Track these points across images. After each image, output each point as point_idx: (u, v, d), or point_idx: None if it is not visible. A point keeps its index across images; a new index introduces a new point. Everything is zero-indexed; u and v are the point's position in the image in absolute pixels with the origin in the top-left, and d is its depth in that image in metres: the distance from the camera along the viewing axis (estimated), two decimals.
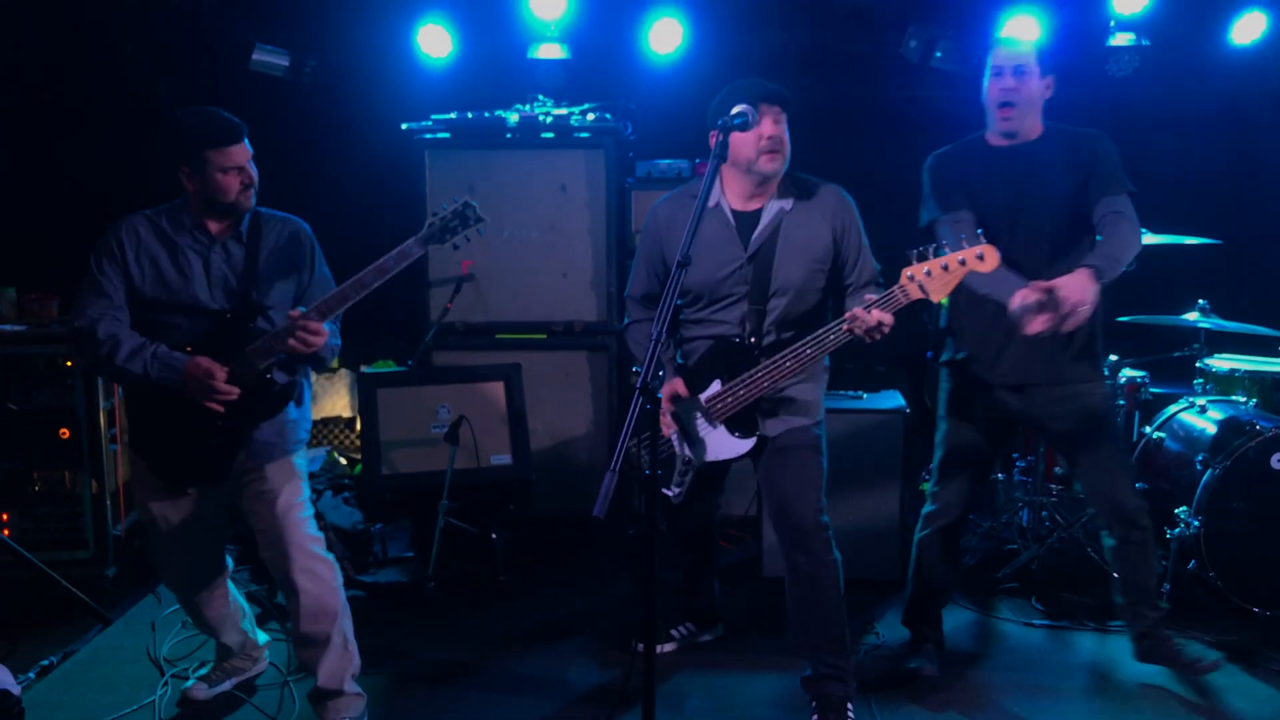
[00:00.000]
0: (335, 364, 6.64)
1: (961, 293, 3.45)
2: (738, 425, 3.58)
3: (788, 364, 3.45)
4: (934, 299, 3.27)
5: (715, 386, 3.57)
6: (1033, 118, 3.73)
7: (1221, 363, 5.11)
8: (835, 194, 3.65)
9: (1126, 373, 4.93)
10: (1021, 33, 3.58)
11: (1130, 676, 3.99)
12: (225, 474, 3.48)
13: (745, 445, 3.60)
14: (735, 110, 3.24)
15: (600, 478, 2.56)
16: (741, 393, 3.52)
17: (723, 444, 3.60)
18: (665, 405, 3.62)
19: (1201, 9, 5.79)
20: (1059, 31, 5.78)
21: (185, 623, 4.38)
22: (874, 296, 3.33)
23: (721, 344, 3.60)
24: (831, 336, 3.38)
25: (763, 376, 3.48)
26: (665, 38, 5.90)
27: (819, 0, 6.15)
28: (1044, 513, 5.09)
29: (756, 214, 3.59)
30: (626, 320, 3.92)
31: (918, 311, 5.95)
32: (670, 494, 3.66)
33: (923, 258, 3.25)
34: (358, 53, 6.14)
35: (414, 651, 4.21)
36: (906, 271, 3.27)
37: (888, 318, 3.27)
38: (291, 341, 3.30)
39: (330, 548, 3.60)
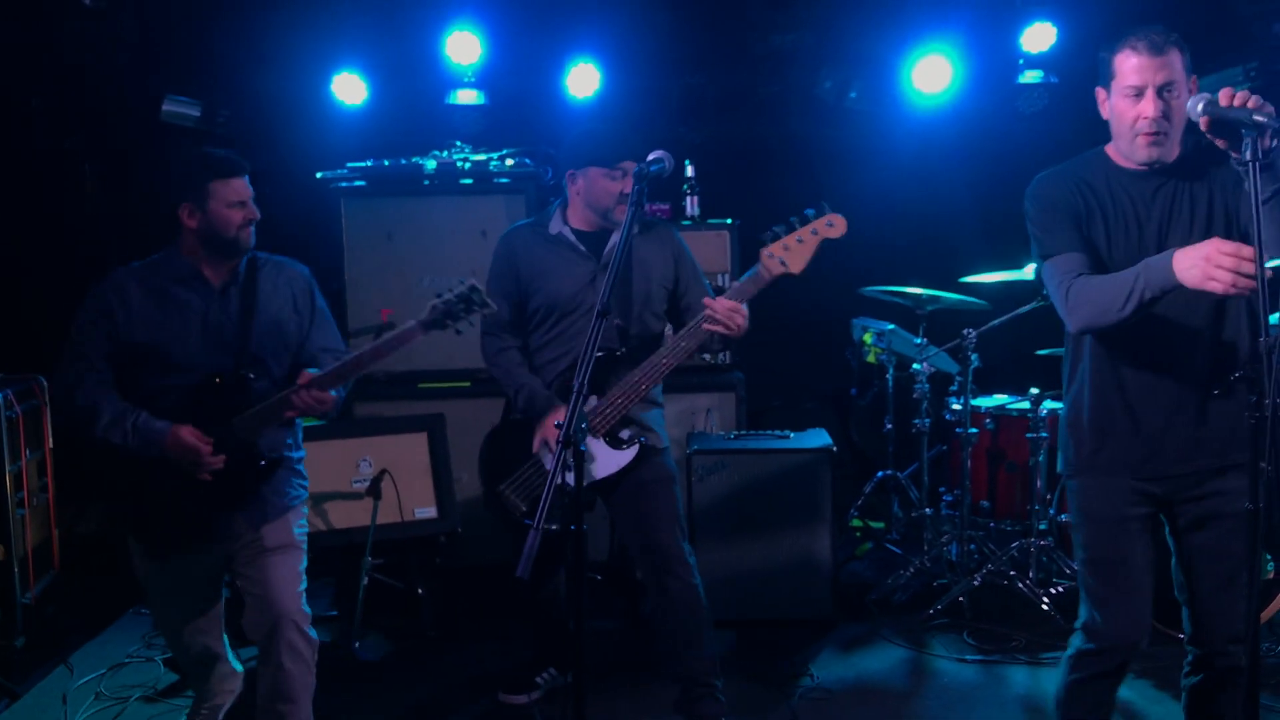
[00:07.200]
0: None
1: None
2: (615, 439, 3.66)
3: (664, 361, 3.57)
4: (795, 271, 3.44)
5: (592, 402, 3.59)
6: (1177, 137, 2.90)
7: None
8: (669, 228, 3.96)
9: (1048, 405, 4.99)
10: (1157, 26, 2.81)
11: None
12: (211, 538, 3.36)
13: (629, 455, 3.68)
14: (652, 157, 3.33)
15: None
16: (620, 401, 3.60)
17: (609, 458, 3.66)
18: (553, 435, 3.60)
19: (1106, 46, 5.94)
20: (969, 70, 5.90)
21: (99, 694, 4.24)
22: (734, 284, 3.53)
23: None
24: (700, 329, 3.52)
25: (641, 379, 3.58)
26: (583, 82, 5.91)
27: (734, 43, 6.22)
28: (972, 545, 5.11)
29: (605, 233, 3.79)
30: (494, 349, 3.96)
31: (841, 349, 6.06)
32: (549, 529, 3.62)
33: (776, 237, 3.44)
34: (271, 102, 6.06)
35: (339, 715, 4.08)
36: (765, 251, 3.45)
37: (736, 304, 3.45)
38: (297, 405, 3.26)
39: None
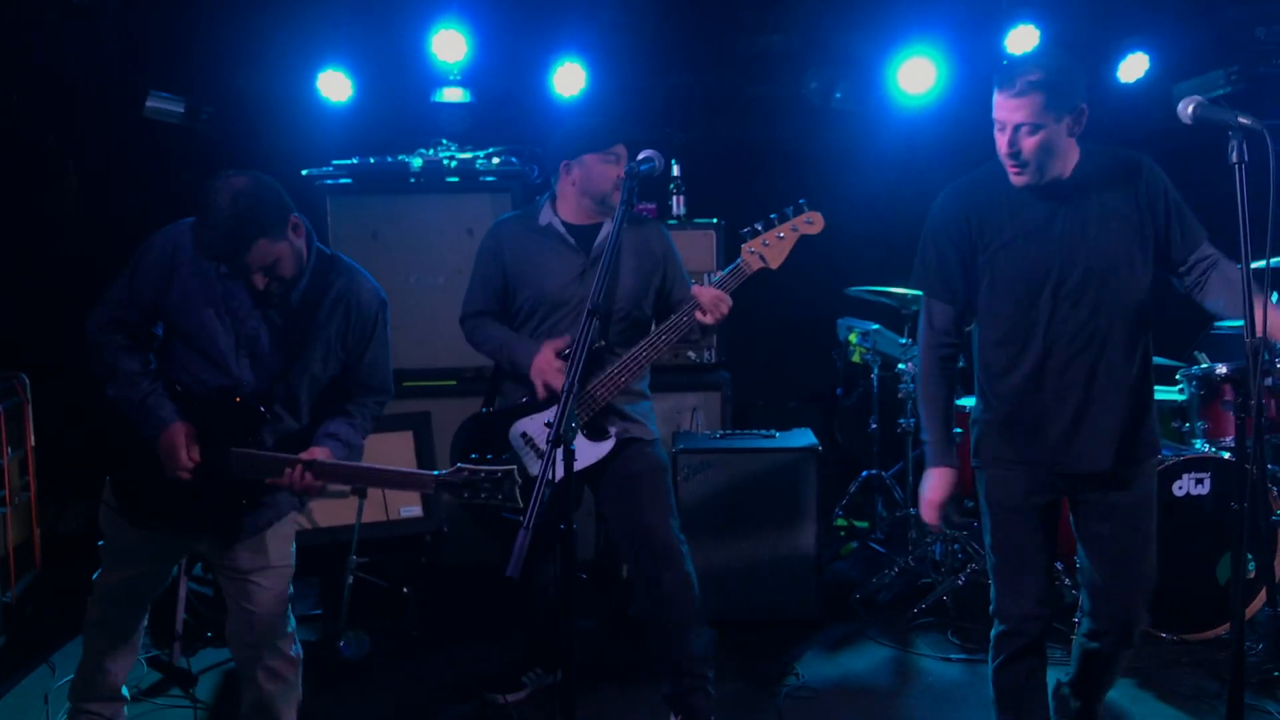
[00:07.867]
0: None
1: None
2: (594, 431, 3.67)
3: (643, 354, 3.60)
4: (773, 266, 3.61)
5: None
6: (1060, 160, 3.03)
7: None
8: (658, 226, 3.97)
9: None
10: (1027, 67, 2.88)
11: None
12: (184, 533, 3.21)
13: (606, 447, 3.68)
14: (642, 157, 3.41)
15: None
16: (600, 393, 3.61)
17: (586, 450, 3.65)
18: (552, 365, 3.60)
19: (1089, 49, 5.97)
20: (953, 71, 5.92)
21: None
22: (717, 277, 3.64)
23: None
24: (685, 319, 3.60)
25: (620, 372, 3.60)
26: (569, 81, 5.90)
27: (721, 43, 6.23)
28: (956, 545, 5.13)
29: (594, 227, 3.79)
30: (472, 325, 3.93)
31: (827, 349, 6.08)
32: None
33: (755, 233, 3.61)
34: (256, 98, 6.03)
35: (325, 714, 4.06)
36: (746, 246, 3.61)
37: (722, 294, 3.57)
38: (285, 481, 3.05)
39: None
